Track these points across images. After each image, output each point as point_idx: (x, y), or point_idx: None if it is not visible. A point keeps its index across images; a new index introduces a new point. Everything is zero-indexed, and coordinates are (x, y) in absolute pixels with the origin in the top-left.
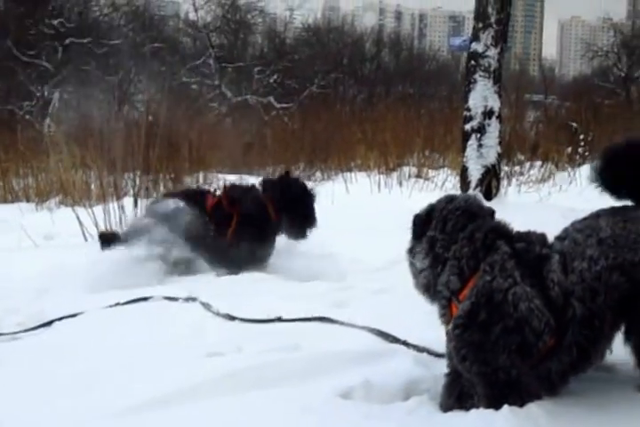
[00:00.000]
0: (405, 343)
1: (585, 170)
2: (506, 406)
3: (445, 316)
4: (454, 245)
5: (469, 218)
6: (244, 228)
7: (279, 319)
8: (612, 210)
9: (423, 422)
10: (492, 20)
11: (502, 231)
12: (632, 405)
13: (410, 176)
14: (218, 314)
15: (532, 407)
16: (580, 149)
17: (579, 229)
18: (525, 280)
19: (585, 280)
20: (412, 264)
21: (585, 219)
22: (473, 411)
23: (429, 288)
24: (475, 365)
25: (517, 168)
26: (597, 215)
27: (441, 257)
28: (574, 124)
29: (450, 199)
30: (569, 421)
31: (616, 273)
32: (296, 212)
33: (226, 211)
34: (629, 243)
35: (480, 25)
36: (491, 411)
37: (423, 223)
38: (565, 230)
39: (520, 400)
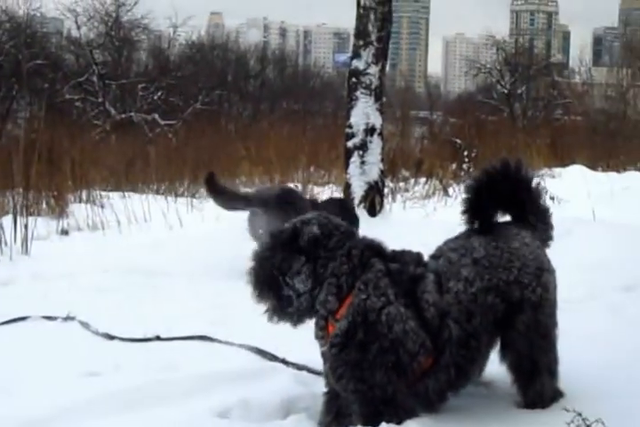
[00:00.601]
0: (284, 361)
1: None
2: (383, 424)
3: (324, 338)
4: (333, 262)
5: (346, 235)
6: None
7: (158, 338)
8: (482, 229)
9: None
10: (373, 37)
11: (377, 249)
12: (510, 421)
13: None
14: (96, 333)
15: (411, 424)
16: (464, 165)
17: (453, 248)
18: (400, 300)
19: (461, 302)
20: (290, 287)
21: (457, 238)
22: None
23: (308, 312)
24: (351, 382)
25: (402, 184)
26: (469, 235)
27: (321, 277)
28: (458, 141)
29: (325, 219)
30: None
31: (491, 295)
32: None
33: None
34: (503, 262)
35: (360, 42)
36: None
37: (315, 242)
38: (439, 249)
39: (396, 417)
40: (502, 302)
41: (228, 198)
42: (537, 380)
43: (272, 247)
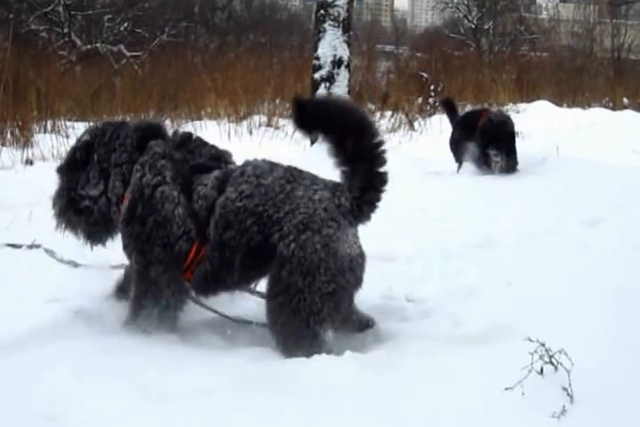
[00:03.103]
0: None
1: (435, 120)
2: (348, 352)
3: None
4: (114, 153)
5: (120, 127)
6: None
7: (124, 266)
8: (287, 168)
9: (270, 370)
10: None
11: (153, 130)
12: (474, 349)
13: (260, 125)
14: (62, 261)
15: (371, 353)
16: (430, 100)
17: (257, 165)
18: (176, 184)
19: (225, 207)
20: (86, 197)
21: (271, 162)
22: (316, 357)
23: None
24: (134, 253)
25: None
26: (287, 167)
27: (108, 172)
28: (425, 75)
29: (95, 124)
30: (407, 364)
31: (251, 219)
32: None
33: None
34: (276, 200)
35: None
36: (333, 357)
37: (86, 148)
38: (251, 160)
39: (160, 297)
40: (259, 234)
41: None
42: (281, 341)
43: (61, 176)
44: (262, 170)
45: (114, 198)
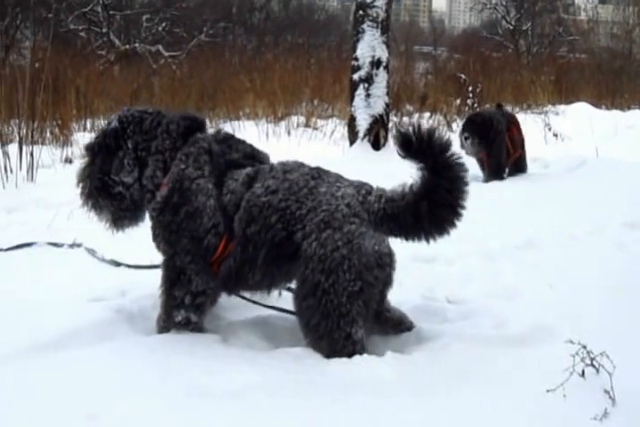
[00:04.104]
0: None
1: None
2: (389, 353)
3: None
4: (154, 140)
5: (159, 115)
6: None
7: None
8: (314, 167)
9: (312, 370)
10: None
11: (195, 120)
12: (515, 352)
13: (298, 125)
14: (103, 260)
15: (412, 354)
16: (468, 101)
17: (284, 162)
18: (211, 177)
19: (250, 202)
20: (118, 183)
21: (301, 164)
22: (357, 357)
23: (142, 201)
24: (162, 243)
25: (406, 119)
26: (314, 168)
27: (145, 160)
28: (463, 76)
29: (126, 111)
30: (448, 365)
31: (275, 215)
32: None
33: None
34: (299, 195)
35: None
36: (374, 357)
37: (116, 135)
38: (285, 160)
39: (187, 291)
40: (283, 231)
41: None
42: (313, 342)
43: (90, 159)
44: (290, 167)
45: (150, 185)
